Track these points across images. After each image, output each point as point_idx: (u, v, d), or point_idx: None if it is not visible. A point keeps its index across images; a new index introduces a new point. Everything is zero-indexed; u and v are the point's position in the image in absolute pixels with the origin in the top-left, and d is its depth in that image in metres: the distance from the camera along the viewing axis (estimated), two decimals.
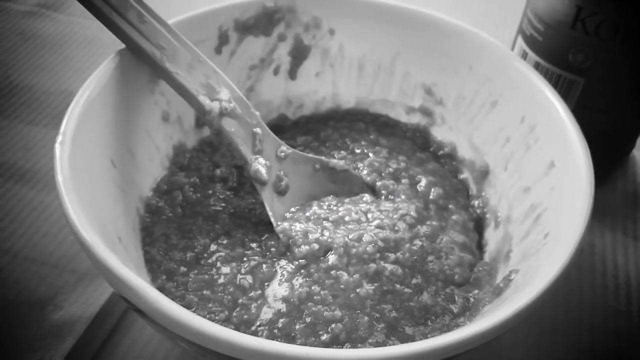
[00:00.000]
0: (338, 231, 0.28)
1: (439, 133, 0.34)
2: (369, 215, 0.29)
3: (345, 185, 0.32)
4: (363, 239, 0.27)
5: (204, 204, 0.30)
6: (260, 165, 0.29)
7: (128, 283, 0.19)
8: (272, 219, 0.29)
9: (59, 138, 0.23)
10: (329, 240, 0.27)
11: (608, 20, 0.28)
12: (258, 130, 0.29)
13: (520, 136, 0.28)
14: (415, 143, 0.34)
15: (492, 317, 0.18)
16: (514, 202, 0.28)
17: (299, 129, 0.36)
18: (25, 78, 0.41)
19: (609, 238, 0.34)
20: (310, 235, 0.27)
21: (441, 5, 0.51)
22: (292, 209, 0.30)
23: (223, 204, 0.31)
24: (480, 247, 0.30)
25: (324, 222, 0.29)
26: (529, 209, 0.26)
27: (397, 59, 0.34)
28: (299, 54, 0.35)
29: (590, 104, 0.31)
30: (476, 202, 0.31)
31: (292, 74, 0.35)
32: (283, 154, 0.30)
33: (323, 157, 0.32)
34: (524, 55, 0.33)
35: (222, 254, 0.28)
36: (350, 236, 0.27)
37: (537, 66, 0.32)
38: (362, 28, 0.33)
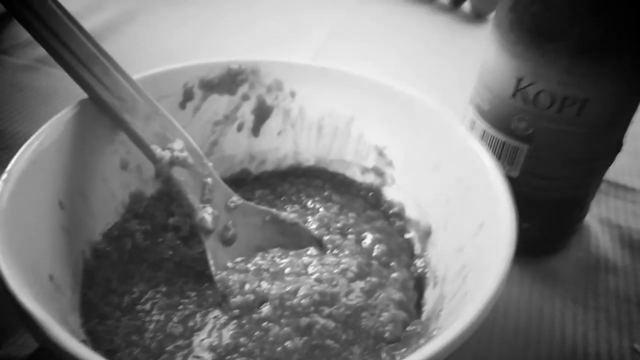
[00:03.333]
0: (276, 283, 0.28)
1: (389, 193, 0.35)
2: (310, 269, 0.29)
3: (295, 238, 0.32)
4: (299, 292, 0.27)
5: (152, 251, 0.31)
6: (206, 214, 0.30)
7: (29, 313, 0.19)
8: (212, 268, 0.29)
9: (4, 176, 0.24)
10: (265, 291, 0.27)
11: (545, 90, 0.30)
12: (209, 180, 0.31)
13: (457, 197, 0.29)
14: (367, 201, 0.35)
15: None
16: (450, 262, 0.28)
17: (259, 183, 0.37)
18: (11, 125, 0.44)
19: (558, 306, 0.33)
20: (247, 286, 0.28)
21: (407, 72, 0.54)
22: (237, 259, 0.30)
23: (171, 252, 0.31)
24: (420, 306, 0.30)
25: (264, 273, 0.29)
26: (460, 268, 0.27)
27: (353, 122, 0.35)
28: (262, 113, 0.36)
29: (536, 171, 0.32)
30: (418, 262, 0.31)
31: (255, 131, 0.37)
32: (233, 204, 0.31)
33: (274, 210, 0.33)
34: (473, 123, 0.34)
35: (159, 301, 0.28)
36: (287, 288, 0.28)
37: (484, 133, 0.33)
38: (320, 92, 0.35)
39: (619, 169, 0.45)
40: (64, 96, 0.48)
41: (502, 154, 0.33)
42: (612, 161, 0.34)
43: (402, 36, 0.63)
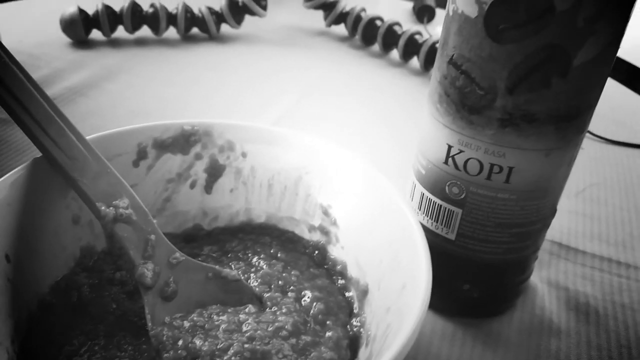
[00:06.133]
0: (209, 340, 0.29)
1: (334, 251, 0.36)
2: (244, 326, 0.30)
3: (236, 295, 0.33)
4: (230, 349, 0.28)
5: (96, 304, 0.32)
6: (146, 270, 0.31)
7: None
8: (149, 323, 0.30)
9: None
10: (197, 348, 0.28)
11: (473, 158, 0.31)
12: (152, 237, 0.32)
13: (389, 259, 0.30)
14: (312, 259, 0.36)
15: None
16: (380, 322, 0.29)
17: (210, 239, 0.38)
18: None
19: None
20: (180, 342, 0.29)
21: (377, 132, 0.56)
22: (176, 315, 0.31)
23: (114, 306, 0.32)
24: None
25: (199, 330, 0.30)
26: (386, 328, 0.27)
27: (300, 181, 0.37)
28: (215, 172, 0.38)
29: (470, 234, 0.34)
30: (355, 321, 0.32)
31: (208, 188, 0.38)
32: (175, 260, 0.32)
33: (217, 267, 0.34)
34: (414, 186, 0.36)
35: (96, 354, 0.29)
36: (219, 346, 0.28)
37: (422, 196, 0.35)
38: (270, 153, 0.37)
39: (572, 231, 0.47)
40: (35, 151, 0.50)
41: (439, 217, 0.34)
42: (548, 226, 0.36)
43: (374, 97, 0.66)
